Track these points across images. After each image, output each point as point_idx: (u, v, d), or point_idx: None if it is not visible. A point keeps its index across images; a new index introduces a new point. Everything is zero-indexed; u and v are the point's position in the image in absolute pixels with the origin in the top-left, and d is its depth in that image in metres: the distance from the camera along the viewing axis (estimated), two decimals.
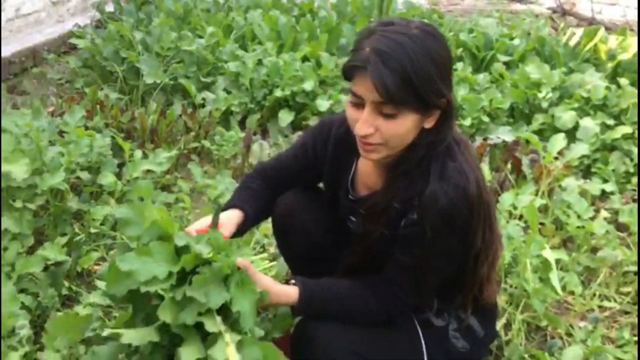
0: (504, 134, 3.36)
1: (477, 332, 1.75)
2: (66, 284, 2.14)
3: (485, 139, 3.24)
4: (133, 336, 1.36)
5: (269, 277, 1.55)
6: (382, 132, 1.45)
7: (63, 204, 2.34)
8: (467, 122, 3.44)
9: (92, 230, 2.39)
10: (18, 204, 2.17)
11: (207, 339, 1.35)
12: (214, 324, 1.35)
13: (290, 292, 1.56)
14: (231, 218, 1.70)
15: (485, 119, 3.51)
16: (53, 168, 2.30)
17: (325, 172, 1.79)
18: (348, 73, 1.44)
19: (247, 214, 1.73)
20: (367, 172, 1.70)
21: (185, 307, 1.34)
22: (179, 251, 1.41)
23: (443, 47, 1.43)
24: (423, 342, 1.72)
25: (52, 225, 2.34)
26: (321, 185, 1.93)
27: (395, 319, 1.62)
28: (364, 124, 1.44)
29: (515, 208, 2.61)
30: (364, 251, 1.65)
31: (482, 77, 3.89)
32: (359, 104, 1.45)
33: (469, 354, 1.75)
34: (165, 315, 1.32)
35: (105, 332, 1.40)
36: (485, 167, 2.84)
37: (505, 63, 4.19)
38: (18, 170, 2.05)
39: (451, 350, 1.73)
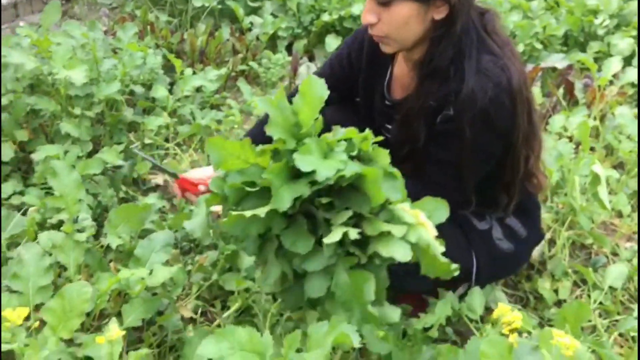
0: (557, 62, 3.26)
1: (519, 232, 1.77)
2: (123, 188, 2.24)
3: (536, 66, 3.16)
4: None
5: None
6: (382, 23, 1.48)
7: (119, 114, 2.42)
8: (520, 48, 3.35)
9: (147, 141, 2.48)
10: (77, 110, 2.26)
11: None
12: None
13: None
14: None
15: (538, 46, 3.42)
16: (109, 79, 2.37)
17: (361, 80, 1.80)
18: None
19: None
20: (402, 75, 1.70)
21: None
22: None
23: None
24: (471, 246, 1.75)
25: (109, 135, 2.43)
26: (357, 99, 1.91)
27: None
28: (366, 13, 1.49)
29: (565, 130, 2.57)
30: (401, 158, 1.63)
31: (536, 4, 3.76)
32: None
33: (513, 254, 1.77)
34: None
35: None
36: (536, 91, 2.79)
37: None
38: (77, 76, 2.12)
39: (496, 252, 1.75)
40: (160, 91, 2.61)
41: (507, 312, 1.07)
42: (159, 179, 2.44)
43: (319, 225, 1.28)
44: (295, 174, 1.21)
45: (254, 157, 1.23)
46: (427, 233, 1.27)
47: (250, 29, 3.66)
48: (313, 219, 1.29)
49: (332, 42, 3.55)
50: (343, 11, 3.57)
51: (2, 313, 1.06)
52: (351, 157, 1.27)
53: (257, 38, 3.57)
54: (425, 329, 1.66)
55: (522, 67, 1.55)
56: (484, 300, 1.77)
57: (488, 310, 1.82)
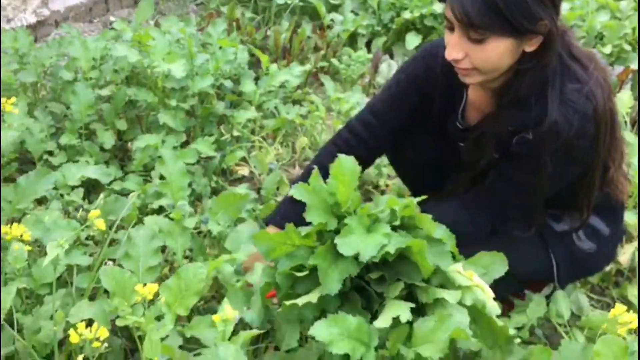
0: None
1: (601, 231, 1.74)
2: (214, 177, 2.33)
3: (626, 68, 3.07)
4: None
5: None
6: (471, 57, 1.42)
7: (210, 107, 2.52)
8: (607, 49, 3.27)
9: (235, 134, 2.57)
10: (172, 102, 2.36)
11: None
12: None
13: None
14: None
15: (627, 47, 3.32)
16: (202, 72, 2.46)
17: (435, 103, 1.73)
18: None
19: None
20: (478, 100, 1.67)
21: None
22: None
23: None
24: (549, 248, 1.74)
25: (200, 127, 2.53)
26: None
27: (499, 228, 1.62)
28: (452, 48, 1.43)
29: None
30: (470, 178, 1.64)
31: (625, 4, 3.64)
32: (450, 27, 1.42)
33: (596, 254, 1.74)
34: None
35: None
36: (627, 95, 2.71)
37: None
38: (177, 69, 2.22)
39: (576, 253, 1.73)
40: (247, 85, 2.69)
41: (624, 313, 1.07)
42: (245, 170, 2.53)
43: (373, 299, 1.32)
44: (342, 253, 1.24)
45: (299, 240, 1.29)
46: (483, 294, 1.29)
47: (330, 27, 3.71)
48: (367, 293, 1.32)
49: (412, 40, 3.55)
50: (425, 9, 3.57)
51: (135, 288, 1.15)
52: (395, 227, 1.30)
53: (338, 35, 3.62)
54: (516, 330, 1.66)
55: (607, 78, 1.51)
56: (569, 303, 1.76)
57: (572, 316, 1.80)
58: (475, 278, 1.30)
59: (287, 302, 1.23)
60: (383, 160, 2.53)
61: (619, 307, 1.09)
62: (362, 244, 1.22)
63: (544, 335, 1.80)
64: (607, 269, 2.03)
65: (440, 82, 1.65)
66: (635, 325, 1.05)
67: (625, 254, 2.03)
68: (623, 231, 1.87)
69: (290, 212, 1.63)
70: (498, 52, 1.40)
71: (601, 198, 1.68)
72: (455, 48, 1.42)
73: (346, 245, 1.21)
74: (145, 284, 1.23)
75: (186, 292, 1.28)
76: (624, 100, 2.62)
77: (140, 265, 1.48)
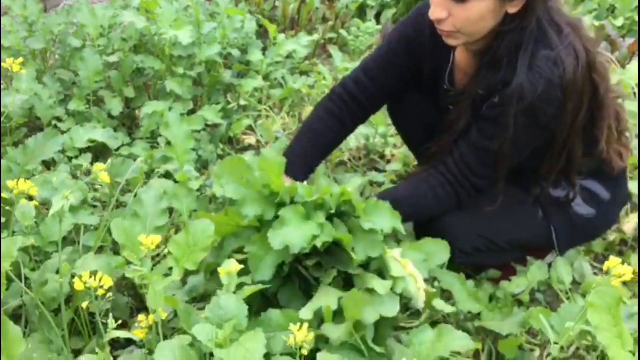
0: None
1: (601, 196, 1.73)
2: (220, 145, 2.35)
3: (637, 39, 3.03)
4: None
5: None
6: (454, 17, 1.42)
7: (217, 75, 2.52)
8: (619, 22, 3.22)
9: (242, 102, 2.57)
10: (179, 70, 2.37)
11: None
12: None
13: None
14: None
15: None
16: (209, 40, 2.47)
17: (424, 66, 1.74)
18: None
19: (295, 179, 1.65)
20: (463, 62, 1.66)
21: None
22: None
23: None
24: (547, 214, 1.73)
25: (207, 95, 2.54)
26: None
27: (465, 200, 1.63)
28: (436, 7, 1.42)
29: None
30: (447, 139, 1.64)
31: None
32: None
33: (596, 219, 1.74)
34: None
35: None
36: (635, 66, 2.68)
37: None
38: (183, 35, 2.23)
39: (575, 218, 1.72)
40: (255, 55, 2.70)
41: (618, 265, 1.08)
42: (251, 139, 2.54)
43: (311, 284, 1.39)
44: None
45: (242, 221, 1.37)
46: (414, 284, 1.34)
47: None
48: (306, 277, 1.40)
49: None
50: None
51: (138, 237, 1.17)
52: (333, 215, 1.36)
53: (347, 6, 3.59)
54: (515, 294, 1.68)
55: (589, 47, 1.49)
56: (570, 270, 1.77)
57: (574, 283, 1.82)
58: (409, 266, 1.34)
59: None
60: (389, 129, 2.53)
61: (613, 260, 1.10)
62: (292, 235, 1.28)
63: (545, 302, 1.82)
64: (611, 238, 2.03)
65: (428, 43, 1.65)
66: (629, 277, 1.06)
67: (629, 223, 2.03)
68: (625, 196, 1.85)
69: (294, 157, 1.68)
70: (480, 11, 1.41)
71: (599, 164, 1.67)
72: (439, 6, 1.43)
73: (276, 237, 1.28)
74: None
75: (194, 247, 1.31)
76: (632, 72, 2.59)
77: (148, 225, 1.51)
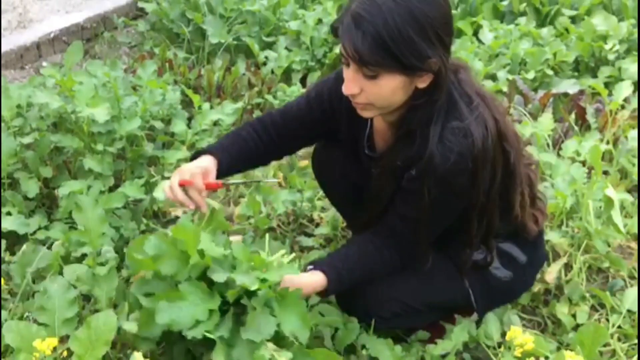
0: (568, 87, 3.30)
1: (518, 259, 1.78)
2: (144, 220, 2.30)
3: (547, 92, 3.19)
4: None
5: (296, 275, 1.53)
6: (366, 92, 1.47)
7: (139, 149, 2.49)
8: (531, 75, 3.40)
9: (166, 174, 2.54)
10: (99, 147, 2.33)
11: None
12: (266, 352, 1.35)
13: (319, 280, 1.57)
14: (207, 166, 1.66)
15: (550, 72, 3.46)
16: (130, 115, 2.45)
17: (342, 128, 1.78)
18: (334, 32, 1.46)
19: (220, 162, 1.68)
20: (381, 130, 1.71)
21: (236, 345, 1.35)
22: (211, 282, 1.39)
23: (434, 6, 1.39)
24: (464, 277, 1.76)
25: (130, 169, 2.50)
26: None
27: (408, 264, 1.67)
28: (348, 83, 1.47)
29: (578, 154, 2.59)
30: (376, 208, 1.68)
31: (546, 31, 3.81)
32: (347, 63, 1.46)
33: (513, 282, 1.78)
34: (219, 358, 1.32)
35: None
36: (548, 118, 2.82)
37: (570, 17, 4.09)
38: (100, 113, 2.20)
39: (492, 281, 1.76)
40: (179, 126, 2.68)
41: (519, 335, 1.09)
42: (178, 211, 2.50)
43: None
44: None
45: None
46: None
47: (265, 63, 3.75)
48: None
49: None
50: None
51: (33, 343, 1.11)
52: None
53: (272, 72, 3.65)
54: (443, 356, 1.67)
55: (500, 116, 1.56)
56: (499, 326, 1.79)
57: (504, 335, 1.83)
58: None
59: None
60: (317, 193, 2.54)
61: (514, 330, 1.11)
62: (178, 313, 1.30)
63: (474, 359, 1.82)
64: (536, 289, 2.07)
65: (344, 108, 1.68)
66: (530, 347, 1.07)
67: (550, 273, 2.08)
68: (542, 258, 1.92)
69: (227, 143, 1.74)
70: (390, 87, 1.45)
71: (515, 227, 1.72)
72: (351, 83, 1.46)
73: (162, 312, 1.30)
74: (62, 337, 1.20)
75: (96, 342, 1.25)
76: (544, 124, 2.72)
77: (57, 318, 1.44)
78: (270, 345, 1.38)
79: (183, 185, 1.62)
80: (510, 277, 1.76)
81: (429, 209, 1.54)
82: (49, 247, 1.95)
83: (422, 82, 1.48)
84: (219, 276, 1.35)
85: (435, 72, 1.45)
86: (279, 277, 1.42)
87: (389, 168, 1.60)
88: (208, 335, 1.31)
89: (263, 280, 1.39)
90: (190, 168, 1.63)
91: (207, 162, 1.66)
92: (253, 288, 1.35)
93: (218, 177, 1.69)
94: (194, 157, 1.71)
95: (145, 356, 1.25)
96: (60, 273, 1.71)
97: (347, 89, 1.48)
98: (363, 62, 1.39)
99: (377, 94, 1.46)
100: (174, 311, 1.30)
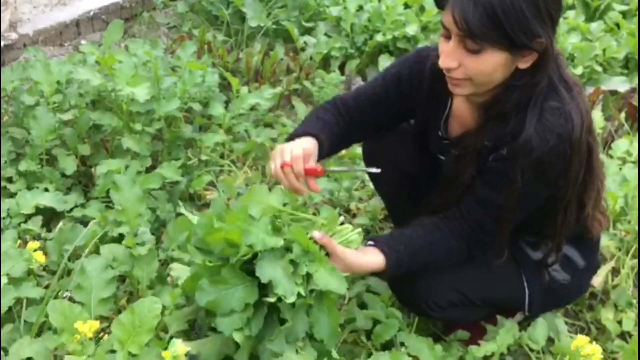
0: (618, 85, 3.17)
1: (577, 263, 1.72)
2: (180, 203, 2.27)
3: (597, 89, 3.08)
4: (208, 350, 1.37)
5: (352, 250, 1.48)
6: (465, 67, 1.41)
7: (177, 131, 2.47)
8: (579, 70, 3.28)
9: (203, 158, 2.51)
10: (137, 127, 2.31)
11: None
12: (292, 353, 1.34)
13: (376, 260, 1.49)
14: (309, 148, 1.55)
15: (598, 68, 3.33)
16: (169, 96, 2.42)
17: (418, 109, 1.72)
18: (439, 2, 1.40)
19: (322, 142, 1.61)
20: (462, 112, 1.65)
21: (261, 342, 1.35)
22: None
23: None
24: (524, 277, 1.70)
25: (167, 151, 2.48)
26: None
27: (476, 254, 1.59)
28: (447, 57, 1.41)
29: (629, 154, 2.49)
30: (452, 192, 1.60)
31: (595, 26, 3.67)
32: (447, 36, 1.41)
33: (570, 285, 1.71)
34: (242, 357, 1.33)
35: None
36: (597, 115, 2.71)
37: (621, 12, 3.94)
38: (140, 92, 2.17)
39: (551, 283, 1.70)
40: (217, 109, 2.65)
41: (586, 345, 1.03)
42: (214, 194, 2.47)
43: None
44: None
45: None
46: None
47: (304, 49, 3.69)
48: None
49: (385, 63, 3.53)
50: (397, 32, 3.57)
51: (75, 325, 1.08)
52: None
53: (311, 58, 3.59)
54: (486, 357, 1.61)
55: (589, 109, 1.50)
56: (547, 332, 1.71)
57: (549, 340, 1.76)
58: None
59: None
60: (354, 183, 2.49)
61: (581, 339, 1.05)
62: (216, 297, 1.30)
63: None
64: None
65: (425, 87, 1.63)
66: (599, 357, 1.01)
67: (598, 277, 2.00)
68: (598, 264, 1.85)
69: (319, 126, 1.63)
70: (492, 64, 1.39)
71: (578, 230, 1.65)
72: (450, 56, 1.40)
73: (202, 292, 1.30)
74: (97, 317, 1.17)
75: (140, 329, 1.22)
76: (595, 121, 2.61)
77: (93, 297, 1.42)
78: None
79: (282, 168, 1.50)
80: (568, 280, 1.69)
81: (516, 194, 1.47)
82: (85, 225, 1.93)
83: (525, 63, 1.41)
84: (262, 274, 1.32)
85: (541, 52, 1.38)
86: (324, 282, 1.38)
87: (473, 149, 1.52)
88: (235, 335, 1.29)
89: (307, 283, 1.36)
90: (292, 148, 1.51)
91: (309, 144, 1.55)
92: (290, 301, 1.32)
93: (320, 159, 1.60)
94: (292, 137, 1.61)
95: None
96: (97, 252, 1.68)
97: (445, 62, 1.42)
98: (471, 34, 1.33)
99: (477, 69, 1.40)
100: (214, 292, 1.29)
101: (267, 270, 1.32)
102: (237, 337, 1.29)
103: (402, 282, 1.65)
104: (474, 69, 1.40)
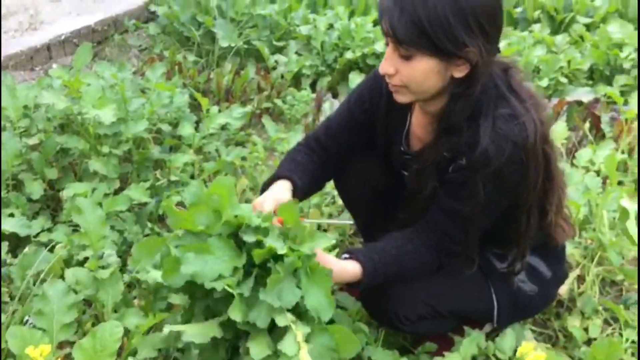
0: (582, 95, 3.24)
1: (543, 274, 1.74)
2: (149, 224, 2.27)
3: (561, 100, 3.14)
4: (195, 332, 1.32)
5: (331, 256, 1.51)
6: (401, 74, 1.44)
7: (145, 152, 2.47)
8: (544, 82, 3.35)
9: (172, 178, 2.51)
10: (105, 149, 2.31)
11: (275, 331, 1.33)
12: (284, 319, 1.31)
13: (353, 269, 1.51)
14: (284, 190, 1.60)
15: (563, 80, 3.40)
16: (136, 117, 2.42)
17: (380, 126, 1.75)
18: (379, 11, 1.44)
19: (295, 184, 1.64)
20: (419, 126, 1.67)
21: (254, 306, 1.31)
22: (242, 242, 1.35)
23: None
24: (492, 288, 1.73)
25: (135, 172, 2.48)
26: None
27: (446, 264, 1.61)
28: (385, 62, 1.45)
29: (592, 164, 2.54)
30: (418, 206, 1.63)
31: (560, 38, 3.76)
32: (387, 42, 1.45)
33: (537, 296, 1.74)
34: (235, 314, 1.28)
35: (166, 328, 1.34)
36: (562, 126, 2.76)
37: (585, 25, 4.04)
38: (106, 115, 2.18)
39: (519, 294, 1.72)
40: (186, 129, 2.66)
41: (531, 351, 1.05)
42: None
43: None
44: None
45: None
46: None
47: (275, 68, 3.73)
48: None
49: (356, 79, 3.57)
50: (366, 49, 3.62)
51: (26, 350, 1.07)
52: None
53: (282, 76, 3.63)
54: None
55: (545, 119, 1.52)
56: (514, 342, 1.73)
57: (514, 350, 1.78)
58: (303, 353, 1.28)
59: None
60: (324, 199, 2.50)
61: (526, 345, 1.07)
62: (203, 266, 1.28)
63: None
64: None
65: (384, 104, 1.66)
66: None
67: (564, 285, 2.02)
68: (565, 273, 1.87)
69: (292, 166, 1.70)
70: (423, 70, 1.41)
71: (542, 240, 1.68)
72: (387, 62, 1.44)
73: (188, 262, 1.27)
74: (60, 343, 1.16)
75: (101, 353, 1.21)
76: (558, 132, 2.67)
77: (55, 323, 1.41)
78: (289, 315, 1.33)
79: None
80: (535, 291, 1.71)
81: (478, 201, 1.49)
82: (51, 250, 1.92)
83: (459, 72, 1.43)
84: (250, 236, 1.31)
85: (472, 62, 1.41)
86: (310, 250, 1.37)
87: (432, 161, 1.55)
88: (228, 289, 1.27)
89: (293, 250, 1.34)
90: (263, 202, 1.53)
91: (281, 193, 1.58)
92: (281, 252, 1.31)
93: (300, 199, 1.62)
94: (267, 185, 1.65)
95: None
96: (62, 277, 1.67)
97: (382, 68, 1.46)
98: (398, 40, 1.37)
99: (410, 75, 1.43)
100: (200, 263, 1.27)
101: (252, 234, 1.32)
102: (232, 290, 1.27)
103: (372, 297, 1.67)
104: (407, 76, 1.43)
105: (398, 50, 1.41)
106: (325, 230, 2.40)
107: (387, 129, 1.74)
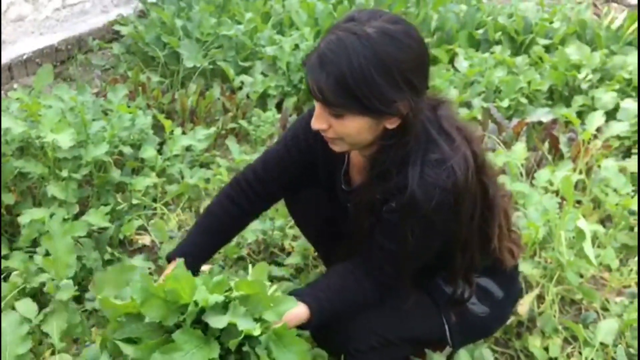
0: (542, 116, 3.31)
1: (495, 294, 1.75)
2: (109, 249, 2.23)
3: (521, 120, 3.20)
4: None
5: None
6: (334, 129, 1.46)
7: (106, 176, 2.43)
8: (505, 103, 3.41)
9: (134, 202, 2.48)
10: (64, 173, 2.27)
11: None
12: None
13: (300, 312, 1.51)
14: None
15: (524, 100, 3.47)
16: (97, 140, 2.39)
17: (319, 164, 1.77)
18: (305, 70, 1.46)
19: (192, 261, 1.62)
20: (358, 164, 1.69)
21: None
22: (207, 328, 1.30)
23: (403, 49, 1.35)
24: (442, 312, 1.73)
25: (96, 196, 2.44)
26: None
27: (386, 296, 1.63)
28: (316, 119, 1.46)
29: (551, 184, 2.59)
30: (359, 238, 1.64)
31: (520, 60, 3.84)
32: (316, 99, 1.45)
33: (490, 317, 1.75)
34: None
35: None
36: (521, 146, 2.82)
37: (544, 47, 4.13)
38: (64, 139, 2.14)
39: (469, 316, 1.73)
40: (148, 151, 2.63)
41: None
42: (145, 239, 2.43)
43: None
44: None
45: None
46: None
47: (240, 88, 3.73)
48: None
49: None
50: None
51: None
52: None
53: (248, 96, 3.63)
54: None
55: (478, 149, 1.54)
56: None
57: None
58: None
59: None
60: (288, 222, 2.50)
61: None
62: None
63: None
64: (508, 321, 2.04)
65: (320, 144, 1.65)
66: None
67: (523, 305, 2.05)
68: (518, 292, 1.89)
69: (192, 247, 1.76)
70: (356, 127, 1.43)
71: (490, 261, 1.69)
72: (319, 119, 1.45)
73: None
74: None
75: None
76: (518, 153, 2.72)
77: (8, 355, 1.37)
78: None
79: None
80: (487, 312, 1.73)
81: (409, 243, 1.51)
82: (7, 278, 1.88)
83: (391, 123, 1.44)
84: (218, 322, 1.26)
85: (402, 115, 1.42)
86: (277, 316, 1.35)
87: (366, 202, 1.57)
88: None
89: (263, 322, 1.32)
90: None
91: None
92: (256, 334, 1.27)
93: (194, 270, 1.60)
94: (168, 260, 1.74)
95: None
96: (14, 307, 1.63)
97: (314, 124, 1.46)
98: (326, 103, 1.38)
99: (344, 132, 1.44)
100: None
101: (219, 317, 1.28)
102: None
103: (318, 329, 1.67)
104: (341, 131, 1.45)
105: (327, 108, 1.41)
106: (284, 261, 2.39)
107: (327, 165, 1.76)
